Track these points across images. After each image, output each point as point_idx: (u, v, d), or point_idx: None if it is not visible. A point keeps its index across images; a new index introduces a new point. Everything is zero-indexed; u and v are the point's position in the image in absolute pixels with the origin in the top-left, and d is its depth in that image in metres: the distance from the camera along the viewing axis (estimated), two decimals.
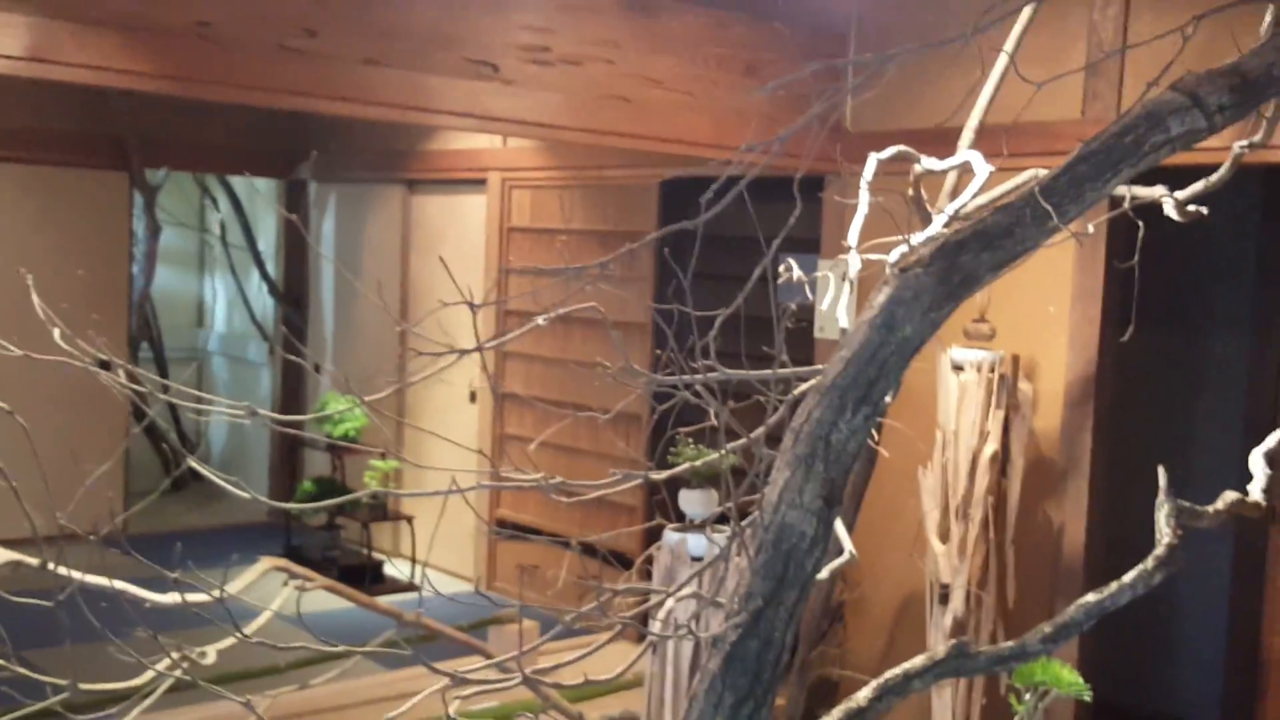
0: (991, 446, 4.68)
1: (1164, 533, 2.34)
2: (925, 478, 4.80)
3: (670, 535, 3.75)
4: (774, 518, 1.69)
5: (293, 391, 9.25)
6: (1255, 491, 2.85)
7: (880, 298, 1.82)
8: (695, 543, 3.68)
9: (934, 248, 1.81)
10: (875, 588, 5.36)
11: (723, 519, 3.84)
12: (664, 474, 3.86)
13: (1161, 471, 2.46)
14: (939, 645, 4.75)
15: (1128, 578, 2.23)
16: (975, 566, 4.68)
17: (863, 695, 1.91)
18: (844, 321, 3.28)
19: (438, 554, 7.85)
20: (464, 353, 2.04)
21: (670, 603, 3.78)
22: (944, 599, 4.70)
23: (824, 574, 3.16)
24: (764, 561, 1.68)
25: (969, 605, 4.67)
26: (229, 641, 2.86)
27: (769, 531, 1.69)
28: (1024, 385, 4.82)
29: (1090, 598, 2.16)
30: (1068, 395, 4.89)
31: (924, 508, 4.78)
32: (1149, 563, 2.27)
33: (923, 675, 1.96)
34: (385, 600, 7.35)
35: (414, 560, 7.86)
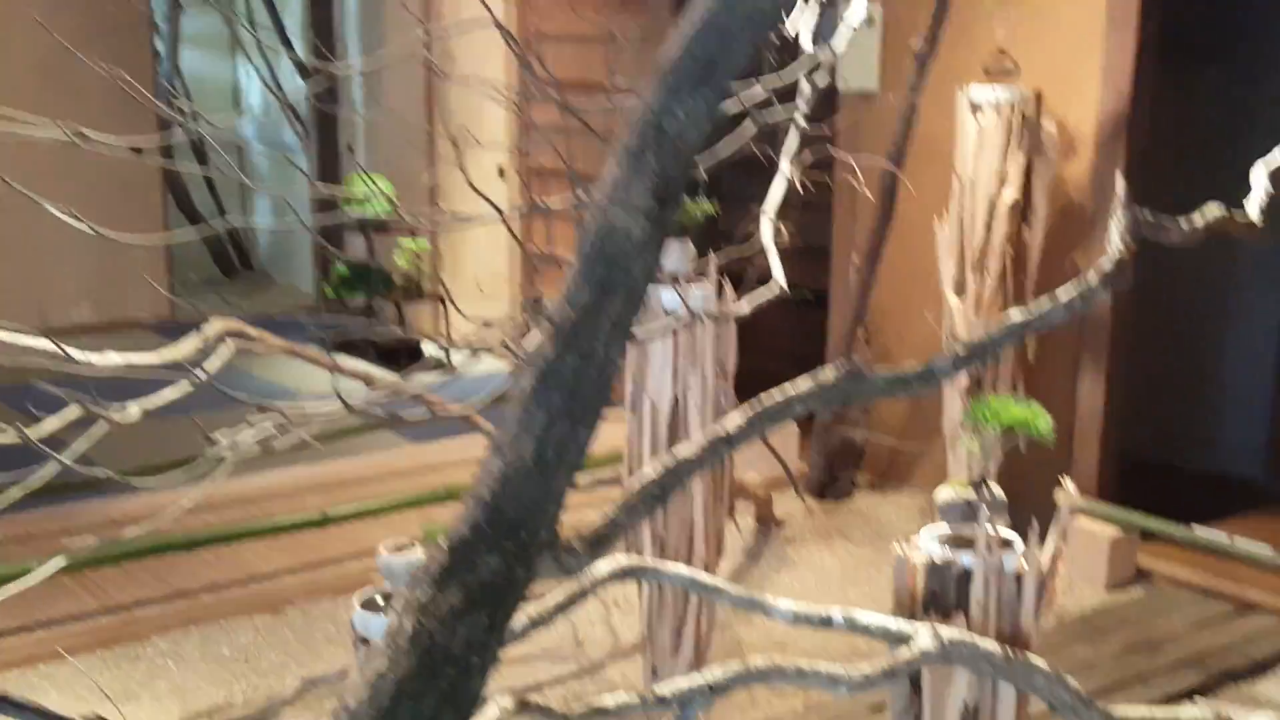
0: (1011, 193, 4.39)
1: (1115, 246, 2.09)
2: (941, 230, 4.53)
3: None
4: (598, 218, 1.48)
5: (330, 175, 9.10)
6: (1251, 208, 2.56)
7: None
8: (668, 297, 3.49)
9: None
10: (899, 345, 5.16)
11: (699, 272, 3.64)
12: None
13: (1119, 178, 2.20)
14: (955, 406, 4.56)
15: (1065, 295, 2.00)
16: (994, 319, 4.44)
17: (734, 422, 1.73)
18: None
19: (474, 334, 7.76)
20: None
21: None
22: None
23: (745, 307, 2.96)
24: (585, 267, 1.48)
25: (986, 360, 4.45)
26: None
27: (593, 235, 1.48)
28: (1048, 125, 4.47)
29: (1015, 316, 1.93)
30: (1098, 136, 4.54)
31: (939, 261, 4.53)
32: (1092, 277, 2.03)
33: (808, 398, 1.77)
34: (425, 379, 7.35)
35: (449, 340, 7.78)
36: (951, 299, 4.47)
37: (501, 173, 7.65)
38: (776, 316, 6.97)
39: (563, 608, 2.20)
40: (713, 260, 3.58)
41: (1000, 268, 4.36)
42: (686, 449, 1.70)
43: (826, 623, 2.28)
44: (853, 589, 4.43)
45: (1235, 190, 2.51)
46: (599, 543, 1.57)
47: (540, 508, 1.46)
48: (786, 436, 5.45)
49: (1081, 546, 4.45)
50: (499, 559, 1.41)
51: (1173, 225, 2.26)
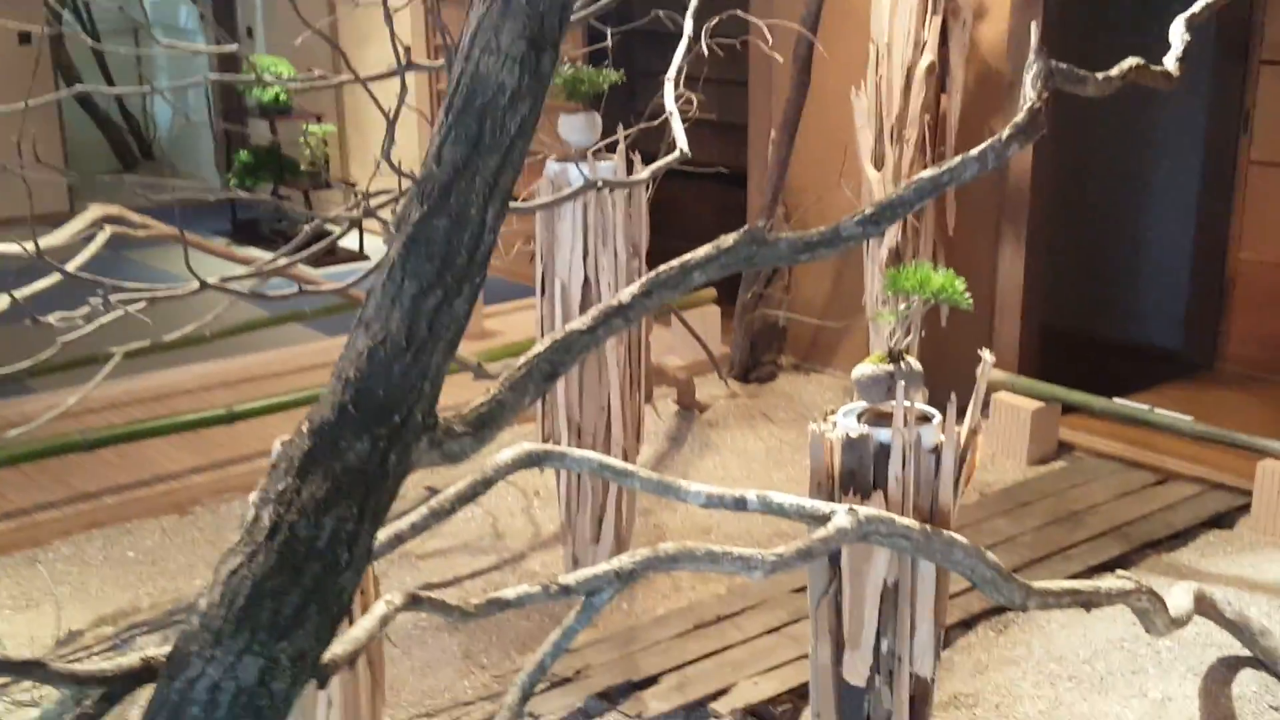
0: (928, 58, 4.25)
1: (1028, 96, 1.97)
2: (858, 99, 4.39)
3: (551, 166, 3.40)
4: (466, 67, 1.34)
5: (230, 60, 8.74)
6: (1170, 61, 2.46)
7: None
8: (577, 174, 3.33)
9: None
10: (819, 221, 5.03)
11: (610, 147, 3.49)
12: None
13: (1033, 28, 2.08)
14: (875, 281, 4.48)
15: (976, 150, 1.89)
16: None
17: (628, 292, 1.61)
18: None
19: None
20: None
21: None
22: None
23: (645, 174, 2.83)
24: (453, 122, 1.34)
25: (905, 234, 4.36)
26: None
27: (460, 85, 1.34)
28: None
29: (926, 173, 1.82)
30: None
31: (857, 131, 4.40)
32: (1005, 131, 1.92)
33: (707, 265, 1.65)
34: (337, 269, 7.15)
35: (360, 226, 7.57)
36: (870, 171, 4.36)
37: (408, 52, 7.36)
38: (696, 196, 6.85)
39: (466, 497, 2.09)
40: (621, 134, 3.43)
41: (918, 137, 4.25)
42: (578, 321, 1.58)
43: (741, 505, 2.20)
44: (777, 471, 4.37)
45: (1154, 53, 2.41)
46: (484, 424, 1.46)
47: (413, 388, 1.34)
48: (709, 319, 5.35)
49: (1003, 420, 4.42)
50: (368, 444, 1.29)
51: (1089, 77, 2.15)
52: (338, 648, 1.44)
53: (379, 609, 1.58)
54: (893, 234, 4.33)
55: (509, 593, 1.81)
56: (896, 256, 4.34)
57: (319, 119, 7.61)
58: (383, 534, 1.97)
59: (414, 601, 1.67)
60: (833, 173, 4.70)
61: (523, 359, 1.52)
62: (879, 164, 4.35)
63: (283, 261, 2.84)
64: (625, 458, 3.59)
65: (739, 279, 5.10)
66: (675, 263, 1.66)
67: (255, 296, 2.48)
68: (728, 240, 1.68)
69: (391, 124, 2.30)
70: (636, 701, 3.04)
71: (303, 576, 1.20)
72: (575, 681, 3.11)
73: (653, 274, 1.65)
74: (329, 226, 3.13)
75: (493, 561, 3.85)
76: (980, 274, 4.60)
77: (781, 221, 5.03)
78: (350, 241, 7.63)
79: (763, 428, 4.73)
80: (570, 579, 1.85)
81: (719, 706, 2.98)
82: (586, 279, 3.42)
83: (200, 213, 8.35)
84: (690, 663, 3.17)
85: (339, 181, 7.58)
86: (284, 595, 1.18)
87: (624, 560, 1.91)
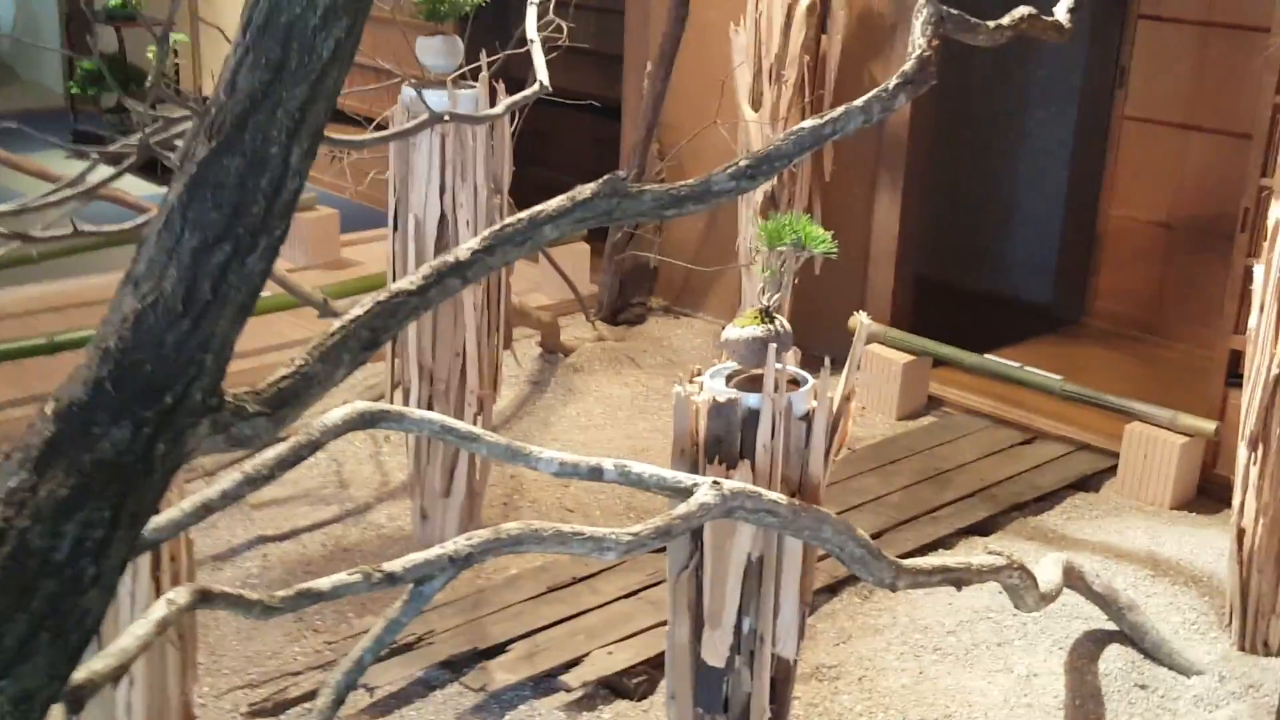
0: None
1: (917, 43, 1.80)
2: (737, 35, 4.19)
3: (406, 91, 3.14)
4: None
5: None
6: (1061, 12, 2.31)
7: None
8: (436, 100, 3.07)
9: None
10: (694, 161, 4.84)
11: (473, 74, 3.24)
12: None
13: None
14: (749, 225, 4.31)
15: (861, 100, 1.70)
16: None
17: (468, 248, 1.39)
18: None
19: None
20: None
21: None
22: None
23: (500, 108, 2.60)
24: (251, 43, 1.10)
25: (781, 179, 4.19)
26: None
27: (259, 4, 1.10)
28: None
29: (807, 124, 1.63)
30: None
31: (734, 69, 4.20)
32: (892, 80, 1.74)
33: (559, 219, 1.44)
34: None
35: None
36: (747, 111, 4.17)
37: None
38: (571, 127, 6.59)
39: (288, 461, 1.85)
40: (485, 60, 3.17)
41: (797, 77, 4.07)
42: (406, 280, 1.36)
43: (597, 474, 2.01)
44: (641, 420, 4.20)
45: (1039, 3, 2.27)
46: (284, 403, 1.23)
47: (191, 361, 1.11)
48: (578, 258, 5.14)
49: (874, 373, 4.31)
50: (128, 430, 1.06)
51: (980, 25, 1.99)
52: (101, 662, 1.21)
53: (157, 610, 1.36)
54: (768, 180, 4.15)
55: (323, 583, 1.59)
56: (772, 202, 4.18)
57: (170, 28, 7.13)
58: (189, 503, 1.74)
59: (203, 599, 1.44)
60: (709, 111, 4.49)
61: (337, 323, 1.30)
62: (756, 104, 4.17)
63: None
64: (481, 406, 3.37)
65: None
66: (524, 215, 1.45)
67: (17, 237, 2.15)
68: (585, 191, 1.47)
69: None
70: (482, 672, 2.85)
71: (33, 597, 0.97)
72: (417, 649, 2.91)
73: (497, 227, 1.43)
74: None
75: (335, 513, 3.61)
76: (855, 222, 4.46)
77: (655, 159, 4.82)
78: None
79: (629, 373, 4.54)
80: (397, 565, 1.64)
81: (569, 679, 2.81)
82: (443, 215, 3.18)
83: (36, 121, 7.81)
84: (541, 629, 2.99)
85: (190, 94, 7.13)
86: (6, 622, 0.95)
87: (459, 544, 1.70)
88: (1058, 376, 4.09)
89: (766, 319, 2.23)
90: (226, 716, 2.78)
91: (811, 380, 2.23)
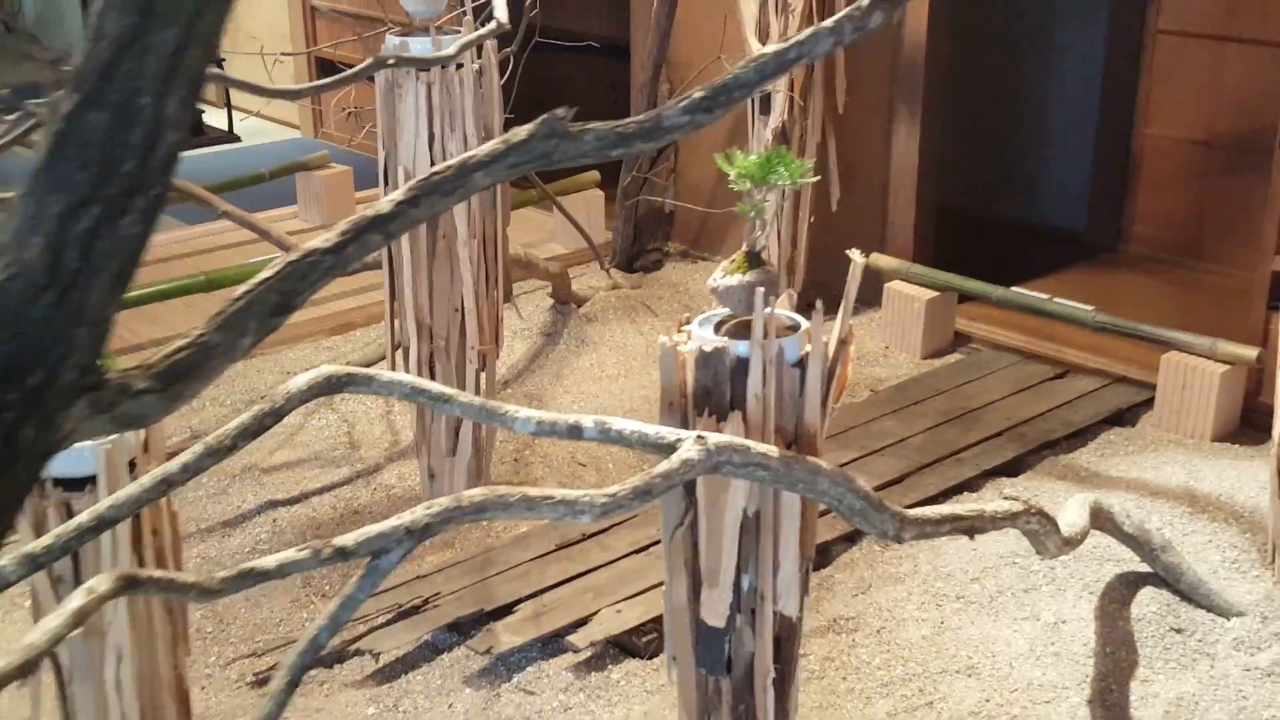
0: None
1: None
2: None
3: (390, 40, 3.02)
4: None
5: None
6: None
7: None
8: (419, 46, 2.96)
9: None
10: None
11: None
12: None
13: None
14: None
15: (831, 20, 1.57)
16: (798, 68, 4.00)
17: (391, 199, 1.28)
18: None
19: (260, 101, 7.07)
20: None
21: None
22: (764, 108, 4.07)
23: (454, 48, 2.48)
24: None
25: (792, 113, 4.04)
26: None
27: None
28: None
29: (770, 49, 1.50)
30: None
31: (740, 3, 4.04)
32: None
33: (492, 165, 1.33)
34: (205, 152, 6.68)
35: (229, 107, 7.09)
36: (753, 44, 4.01)
37: None
38: (585, 71, 6.43)
39: (251, 431, 1.76)
40: (469, 4, 3.05)
41: (804, 6, 3.90)
42: (319, 240, 1.25)
43: (576, 433, 1.89)
44: (655, 370, 4.07)
45: None
46: (180, 376, 1.13)
47: (61, 337, 1.01)
48: (592, 205, 5.02)
49: (896, 311, 4.17)
50: None
51: None
52: (5, 660, 1.13)
53: (74, 600, 1.27)
54: (778, 113, 4.00)
55: (268, 561, 1.50)
56: (783, 136, 4.02)
57: None
58: (148, 478, 1.66)
59: (128, 585, 1.35)
60: (715, 46, 4.34)
61: (243, 287, 1.20)
62: (763, 36, 4.01)
63: None
64: (483, 362, 3.28)
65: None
66: (453, 162, 1.34)
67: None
68: (520, 134, 1.35)
69: None
70: (488, 634, 2.78)
71: None
72: (423, 612, 2.84)
73: (423, 176, 1.32)
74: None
75: (345, 474, 3.54)
76: (873, 155, 4.31)
77: (666, 98, 4.67)
78: (220, 120, 7.15)
79: (644, 321, 4.43)
80: (349, 539, 1.55)
81: (577, 639, 2.73)
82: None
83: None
84: (549, 588, 2.91)
85: None
86: None
87: (417, 514, 1.60)
88: (1089, 307, 3.93)
89: (754, 262, 2.11)
90: (232, 686, 2.73)
91: (805, 324, 2.11)
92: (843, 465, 3.41)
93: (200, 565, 3.10)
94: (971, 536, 2.28)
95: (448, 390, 1.89)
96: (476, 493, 1.68)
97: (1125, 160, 4.80)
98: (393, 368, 3.30)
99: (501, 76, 3.92)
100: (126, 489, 1.62)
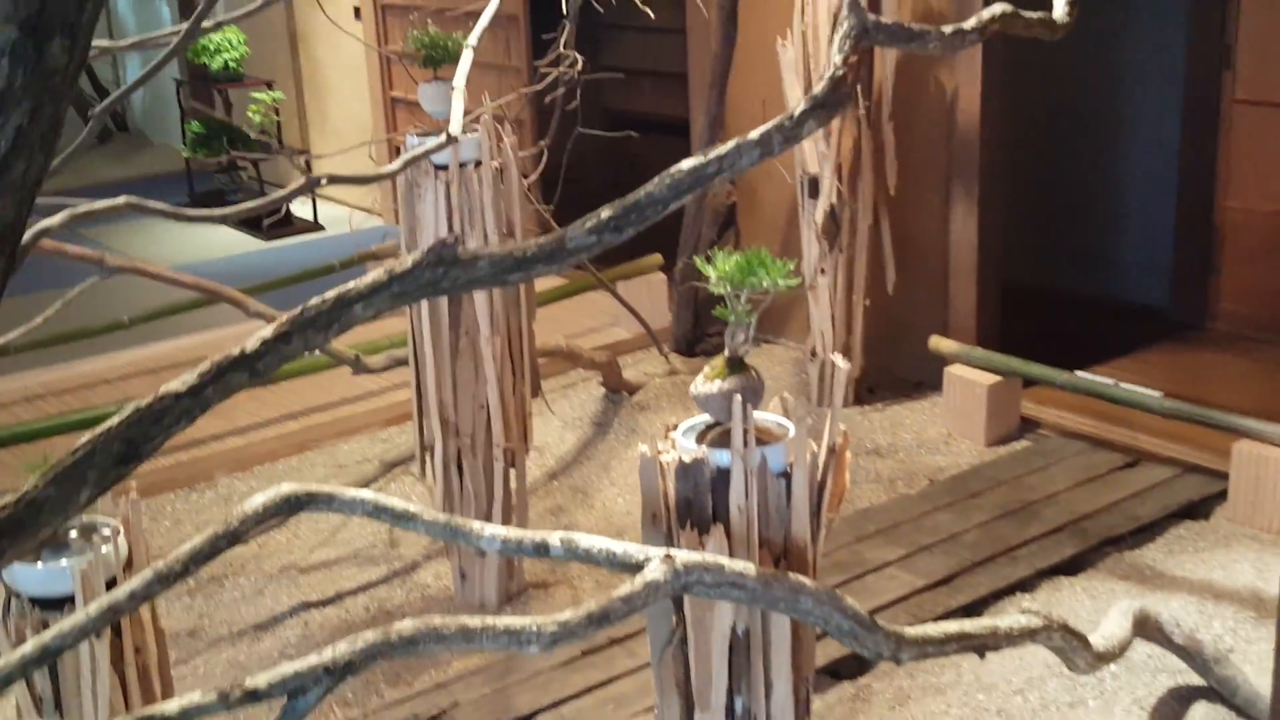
0: None
1: (833, 62, 1.58)
2: (784, 50, 3.96)
3: (410, 139, 3.02)
4: None
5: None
6: (1059, 7, 2.05)
7: None
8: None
9: None
10: (767, 184, 4.63)
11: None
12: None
13: None
14: (813, 248, 4.07)
15: (757, 132, 1.49)
16: (846, 150, 3.91)
17: (256, 338, 1.23)
18: None
19: (344, 191, 7.21)
20: None
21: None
22: (813, 191, 3.98)
23: (397, 165, 2.43)
24: None
25: (841, 196, 3.94)
26: None
27: None
28: None
29: (686, 164, 1.43)
30: None
31: (785, 86, 3.97)
32: (800, 105, 1.53)
33: (372, 297, 1.28)
34: (291, 241, 6.82)
35: (314, 194, 7.22)
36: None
37: (358, 12, 6.96)
38: (663, 154, 6.41)
39: (204, 555, 1.72)
40: (488, 104, 3.04)
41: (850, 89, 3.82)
42: (175, 383, 1.20)
43: (543, 551, 1.82)
44: None
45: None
46: (4, 533, 1.09)
47: None
48: (654, 289, 4.96)
49: (958, 397, 4.01)
50: None
51: (926, 33, 1.76)
52: None
53: None
54: (826, 195, 3.91)
55: (170, 706, 1.44)
56: (833, 220, 3.93)
57: (269, 85, 7.23)
58: (94, 607, 1.62)
59: None
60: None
61: (86, 437, 1.15)
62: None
63: None
64: (510, 460, 3.22)
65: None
66: (330, 295, 1.29)
67: None
68: (406, 263, 1.30)
69: None
70: None
71: None
72: None
73: (297, 311, 1.27)
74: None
75: (382, 573, 3.50)
76: (931, 234, 4.18)
77: (732, 189, 4.62)
78: (305, 211, 7.29)
79: (697, 409, 4.33)
80: (261, 680, 1.48)
81: None
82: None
83: (161, 184, 8.03)
84: (571, 698, 2.81)
85: (290, 149, 7.21)
86: None
87: (339, 650, 1.53)
88: (1157, 393, 3.73)
89: (736, 367, 2.03)
90: None
91: (792, 430, 2.01)
92: (888, 564, 3.27)
93: (228, 671, 3.07)
94: (982, 655, 2.14)
95: (411, 507, 1.83)
96: (408, 625, 1.61)
97: (1208, 233, 4.59)
98: (422, 468, 3.25)
99: (537, 166, 3.91)
100: (71, 618, 1.59)
